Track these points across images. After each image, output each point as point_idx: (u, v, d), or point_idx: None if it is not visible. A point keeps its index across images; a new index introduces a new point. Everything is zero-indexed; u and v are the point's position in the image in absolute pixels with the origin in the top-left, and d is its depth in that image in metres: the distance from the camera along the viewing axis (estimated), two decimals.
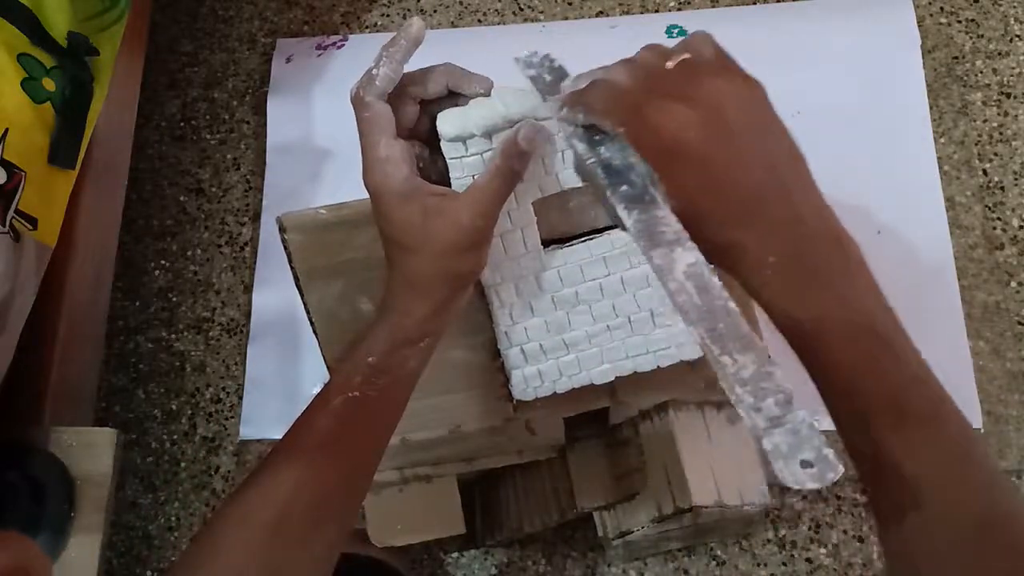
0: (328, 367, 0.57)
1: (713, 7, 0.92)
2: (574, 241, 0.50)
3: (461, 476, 0.65)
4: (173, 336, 0.86)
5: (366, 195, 0.43)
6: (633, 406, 0.61)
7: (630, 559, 0.74)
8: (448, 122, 0.44)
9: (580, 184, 0.48)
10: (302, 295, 0.56)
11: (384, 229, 0.43)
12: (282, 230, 0.54)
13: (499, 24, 0.94)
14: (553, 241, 0.50)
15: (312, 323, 0.56)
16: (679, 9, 0.92)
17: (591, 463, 0.65)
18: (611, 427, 0.64)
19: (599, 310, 0.51)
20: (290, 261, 0.55)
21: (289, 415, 0.81)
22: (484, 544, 0.73)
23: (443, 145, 0.45)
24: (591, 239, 0.50)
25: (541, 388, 0.53)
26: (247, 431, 0.81)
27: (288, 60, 0.93)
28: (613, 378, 0.53)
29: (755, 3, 0.91)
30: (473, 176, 0.47)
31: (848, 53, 0.86)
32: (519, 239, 0.49)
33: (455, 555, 0.76)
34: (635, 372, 0.53)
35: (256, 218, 0.89)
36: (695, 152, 0.34)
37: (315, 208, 0.54)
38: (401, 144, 0.42)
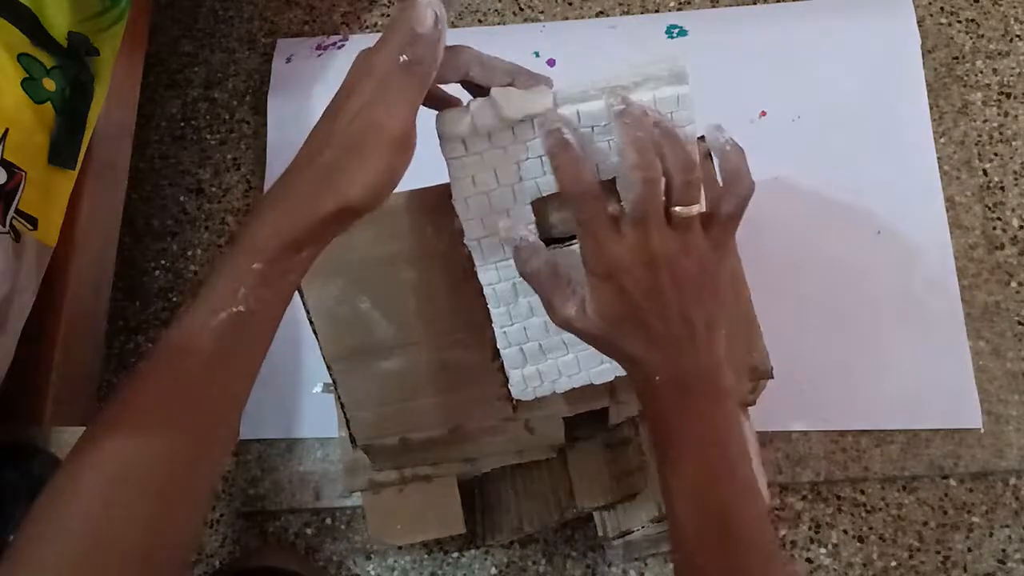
0: (327, 365, 0.57)
1: (713, 7, 0.92)
2: (572, 241, 0.50)
3: (461, 476, 0.65)
4: None
5: None
6: (633, 406, 0.61)
7: (630, 559, 0.74)
8: (447, 122, 0.44)
9: None
10: (301, 295, 0.56)
11: (344, 114, 0.39)
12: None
13: (499, 24, 0.94)
14: (552, 241, 0.50)
15: (311, 323, 0.56)
16: (679, 9, 0.92)
17: (591, 463, 0.65)
18: (611, 427, 0.64)
19: None
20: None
21: (289, 414, 0.82)
22: (484, 544, 0.73)
23: (442, 145, 0.45)
24: None
25: (540, 388, 0.54)
26: (246, 430, 0.81)
27: (288, 60, 0.93)
28: (612, 378, 0.54)
29: (755, 3, 0.91)
30: (472, 176, 0.47)
31: (848, 53, 0.86)
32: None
33: (455, 555, 0.76)
34: None
35: None
36: (628, 294, 0.43)
37: None
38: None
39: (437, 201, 0.54)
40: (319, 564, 0.77)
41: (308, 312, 0.56)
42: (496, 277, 0.50)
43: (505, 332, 0.52)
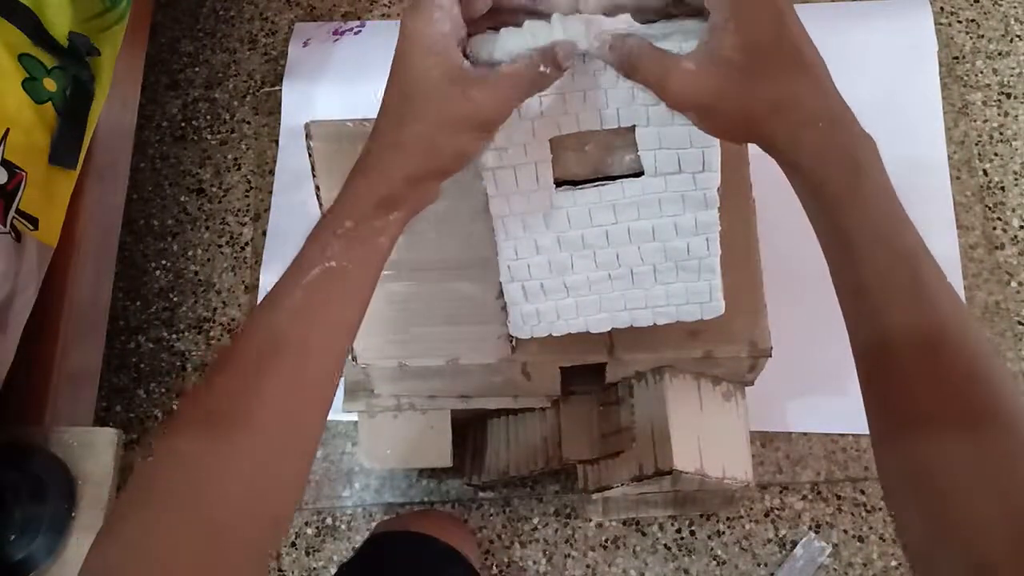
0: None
1: None
2: (585, 184, 0.50)
3: (456, 414, 0.66)
4: (174, 336, 0.86)
5: None
6: (630, 365, 0.61)
7: (606, 515, 0.74)
8: (478, 47, 0.45)
9: (598, 127, 0.48)
10: (321, 206, 0.56)
11: (399, 77, 0.41)
12: (308, 136, 0.55)
13: None
14: (566, 182, 0.50)
15: None
16: None
17: (582, 417, 0.66)
18: (606, 386, 0.64)
19: (602, 257, 0.51)
20: (312, 169, 0.56)
21: None
22: (470, 483, 0.73)
23: None
24: (603, 185, 0.50)
25: (538, 327, 0.53)
26: None
27: (305, 44, 0.94)
28: (609, 328, 0.53)
29: None
30: None
31: (864, 56, 0.86)
32: (532, 173, 0.49)
33: None
34: (632, 326, 0.53)
35: (257, 218, 0.89)
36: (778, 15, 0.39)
37: (342, 119, 0.55)
38: (458, 15, 0.41)
39: None
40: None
41: None
42: (507, 209, 0.50)
43: (509, 266, 0.52)
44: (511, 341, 0.57)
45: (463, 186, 0.55)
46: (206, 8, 0.98)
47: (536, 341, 0.55)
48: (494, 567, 0.76)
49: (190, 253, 0.89)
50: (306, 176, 0.57)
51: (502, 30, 0.45)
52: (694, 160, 0.48)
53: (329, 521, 0.78)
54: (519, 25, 0.43)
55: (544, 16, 0.44)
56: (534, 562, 0.76)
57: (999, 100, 0.86)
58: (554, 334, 0.54)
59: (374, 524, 0.77)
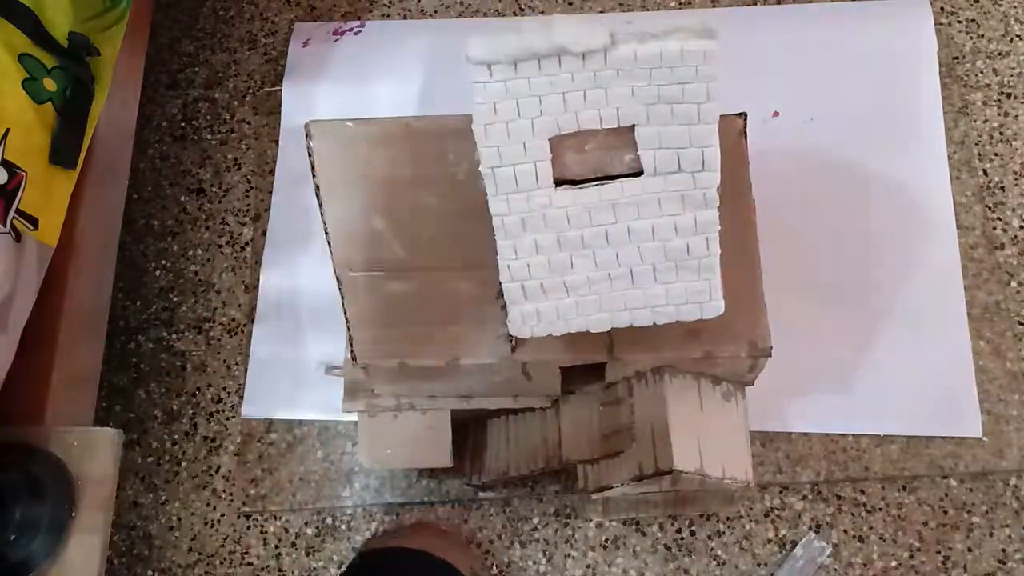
0: (337, 278, 0.57)
1: (713, 7, 0.92)
2: (585, 184, 0.50)
3: (456, 414, 0.66)
4: (174, 336, 0.86)
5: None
6: (630, 365, 0.61)
7: (606, 515, 0.74)
8: (477, 45, 0.45)
9: (598, 126, 0.48)
10: (320, 206, 0.56)
11: None
12: (308, 136, 0.55)
13: None
14: (565, 181, 0.50)
15: (327, 235, 0.56)
16: (679, 9, 0.92)
17: (582, 417, 0.66)
18: (606, 385, 0.64)
19: (602, 257, 0.51)
20: (312, 169, 0.56)
21: (291, 394, 0.82)
22: (470, 483, 0.74)
23: (469, 68, 0.45)
24: (603, 184, 0.49)
25: (538, 327, 0.53)
26: (249, 410, 0.81)
27: (305, 44, 0.94)
28: (609, 327, 0.53)
29: (755, 4, 0.91)
30: (494, 104, 0.47)
31: (863, 56, 0.86)
32: (531, 172, 0.49)
33: None
34: (632, 326, 0.53)
35: (257, 218, 0.89)
36: None
37: (342, 119, 0.55)
38: None
39: (461, 128, 0.52)
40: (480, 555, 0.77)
41: (325, 224, 0.56)
42: (506, 209, 0.50)
43: (509, 266, 0.51)
44: (511, 341, 0.57)
45: (453, 185, 0.55)
46: (206, 8, 0.98)
47: (536, 341, 0.55)
48: (494, 567, 0.76)
49: (190, 253, 0.89)
50: (306, 176, 0.57)
51: (500, 30, 0.45)
52: (694, 159, 0.48)
53: (329, 521, 0.78)
54: None
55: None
56: (534, 562, 0.76)
57: (999, 100, 0.86)
58: (554, 334, 0.54)
59: (374, 524, 0.77)
